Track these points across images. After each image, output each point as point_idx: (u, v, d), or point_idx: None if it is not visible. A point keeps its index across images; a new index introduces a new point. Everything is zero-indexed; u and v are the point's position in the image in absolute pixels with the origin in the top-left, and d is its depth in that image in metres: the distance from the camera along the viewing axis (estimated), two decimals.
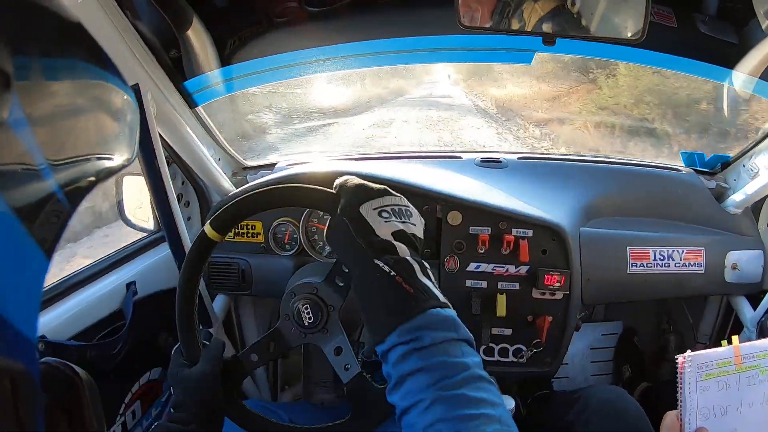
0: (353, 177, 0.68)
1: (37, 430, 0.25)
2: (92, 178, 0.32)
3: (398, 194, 0.66)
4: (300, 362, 1.40)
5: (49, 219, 0.27)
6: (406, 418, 0.54)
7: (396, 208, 0.64)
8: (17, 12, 0.25)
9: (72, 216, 0.30)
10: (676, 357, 0.75)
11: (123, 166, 0.37)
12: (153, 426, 0.73)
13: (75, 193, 0.30)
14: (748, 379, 0.75)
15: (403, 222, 0.63)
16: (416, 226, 0.65)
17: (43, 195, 0.27)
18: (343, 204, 0.63)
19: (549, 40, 0.96)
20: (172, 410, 0.75)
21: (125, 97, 0.36)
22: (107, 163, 0.34)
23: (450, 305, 0.59)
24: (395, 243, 0.60)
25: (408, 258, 0.59)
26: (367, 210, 0.62)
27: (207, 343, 0.80)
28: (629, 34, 0.98)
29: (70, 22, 0.30)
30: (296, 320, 0.77)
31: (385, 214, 0.62)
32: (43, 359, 0.54)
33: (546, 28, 0.99)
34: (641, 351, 1.48)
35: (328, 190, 0.68)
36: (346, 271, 0.75)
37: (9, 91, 0.24)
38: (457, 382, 0.52)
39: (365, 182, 0.66)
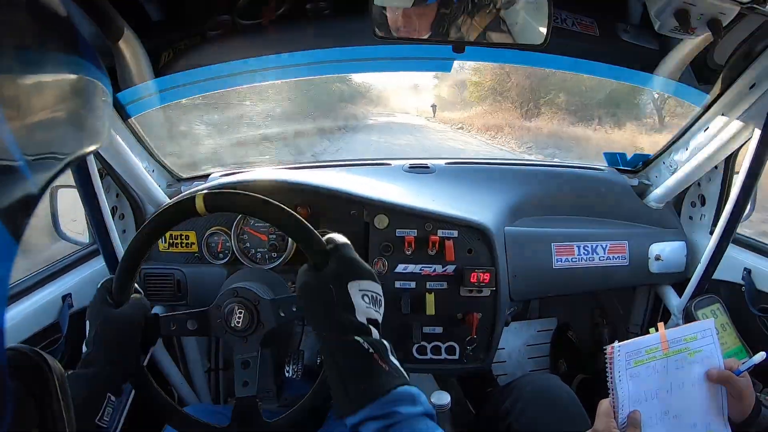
0: (347, 243, 0.71)
1: (6, 416, 0.25)
2: (61, 163, 0.31)
3: (378, 281, 0.70)
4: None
5: (17, 204, 0.27)
6: None
7: (375, 296, 0.68)
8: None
9: (40, 200, 0.29)
10: (604, 348, 0.78)
11: (92, 151, 0.37)
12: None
13: (45, 177, 0.29)
14: (677, 362, 0.80)
15: (376, 311, 0.68)
16: (381, 315, 0.70)
17: (12, 180, 0.26)
18: (333, 271, 0.67)
19: (458, 48, 1.00)
20: (84, 348, 0.74)
21: (96, 83, 0.36)
22: (76, 148, 0.34)
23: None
24: (370, 326, 0.65)
25: (382, 339, 0.65)
26: (354, 290, 0.66)
27: (139, 294, 0.80)
28: (535, 41, 1.03)
29: (45, 13, 0.30)
30: (225, 317, 0.79)
31: (366, 299, 0.66)
32: (11, 345, 0.54)
33: (456, 36, 1.03)
34: (576, 345, 1.53)
35: (323, 242, 0.70)
36: (294, 310, 0.79)
37: None
38: None
39: (357, 258, 0.69)
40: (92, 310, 0.77)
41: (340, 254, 0.68)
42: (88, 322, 0.77)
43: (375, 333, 0.66)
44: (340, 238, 0.71)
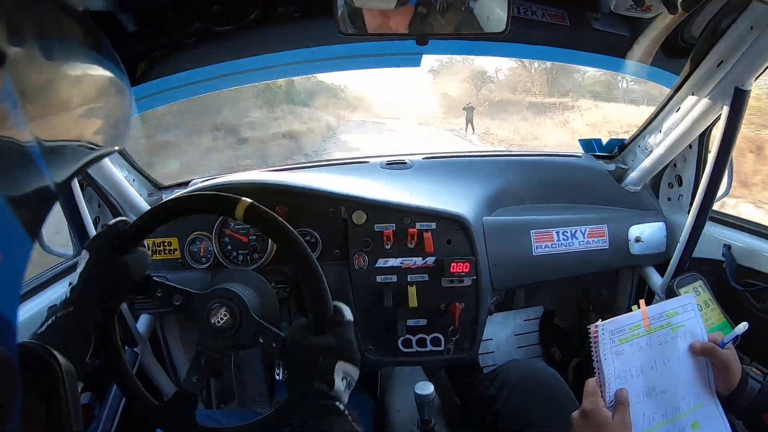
0: (350, 321, 0.72)
1: (15, 413, 0.25)
2: (81, 163, 0.32)
3: (359, 367, 0.71)
4: (232, 379, 1.41)
5: (36, 202, 0.27)
6: None
7: (352, 381, 0.71)
8: None
9: (58, 199, 0.29)
10: (587, 327, 0.79)
11: (112, 152, 0.37)
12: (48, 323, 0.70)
13: (63, 177, 0.30)
14: (659, 338, 0.81)
15: (347, 394, 0.70)
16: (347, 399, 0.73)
17: (32, 178, 0.26)
18: (329, 346, 0.68)
19: (422, 41, 1.01)
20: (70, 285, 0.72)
21: (119, 83, 0.37)
22: (96, 149, 0.34)
23: None
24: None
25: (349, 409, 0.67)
26: (339, 370, 0.68)
27: (143, 248, 0.80)
28: (496, 29, 1.04)
29: (70, 8, 0.31)
30: (208, 312, 0.79)
31: (344, 382, 0.69)
32: (21, 342, 0.54)
33: (420, 29, 1.05)
34: (565, 331, 1.54)
35: (330, 309, 0.71)
36: (273, 346, 0.78)
37: (3, 70, 0.23)
38: None
39: (353, 340, 0.71)
40: (95, 246, 0.75)
41: (341, 331, 0.70)
42: (85, 253, 0.74)
43: (345, 405, 0.67)
44: (348, 313, 0.72)
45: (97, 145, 0.34)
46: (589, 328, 0.79)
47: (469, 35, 1.01)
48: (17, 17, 0.25)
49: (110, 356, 0.78)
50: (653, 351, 0.81)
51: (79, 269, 0.74)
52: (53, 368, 0.50)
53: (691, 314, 0.84)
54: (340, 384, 0.67)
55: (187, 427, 0.76)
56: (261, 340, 0.79)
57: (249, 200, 0.72)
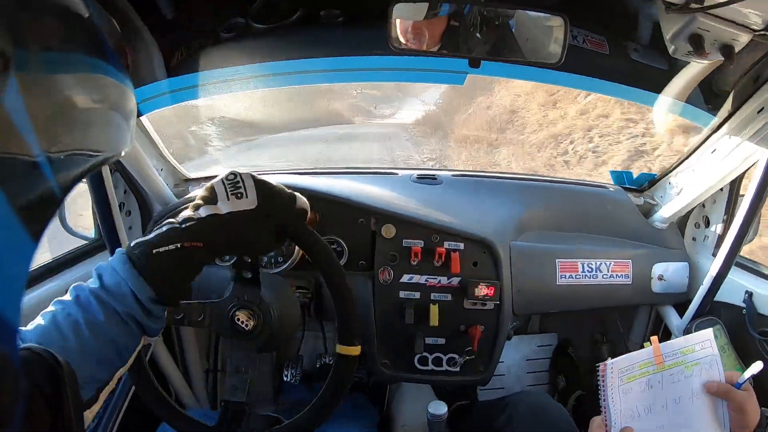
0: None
1: (18, 416, 0.25)
2: (85, 168, 0.32)
3: None
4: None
5: (40, 205, 0.27)
6: None
7: None
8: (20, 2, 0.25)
9: (62, 203, 0.29)
10: (597, 365, 0.78)
11: (115, 157, 0.37)
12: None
13: (67, 181, 0.29)
14: (672, 376, 0.79)
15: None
16: None
17: (36, 183, 0.26)
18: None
19: (474, 63, 1.01)
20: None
21: (122, 90, 0.37)
22: (100, 154, 0.34)
23: None
24: None
25: None
26: None
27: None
28: (550, 59, 1.04)
29: (74, 15, 0.30)
30: (230, 316, 0.80)
31: None
32: (24, 345, 0.54)
33: (476, 51, 1.05)
34: (576, 361, 1.54)
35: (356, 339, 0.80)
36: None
37: (7, 74, 0.23)
38: None
39: None
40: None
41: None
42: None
43: None
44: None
45: (102, 150, 0.34)
46: (598, 366, 0.78)
47: (523, 62, 1.00)
48: (19, 21, 0.25)
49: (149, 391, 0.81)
50: (665, 389, 0.79)
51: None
52: (57, 372, 0.50)
53: (709, 351, 0.81)
54: None
55: None
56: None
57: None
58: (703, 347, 0.81)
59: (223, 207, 0.69)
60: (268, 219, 0.72)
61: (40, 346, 0.55)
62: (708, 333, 0.83)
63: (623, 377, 0.77)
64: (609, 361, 0.77)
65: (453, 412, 1.21)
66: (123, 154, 0.38)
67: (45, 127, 0.27)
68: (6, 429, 0.24)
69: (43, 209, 0.27)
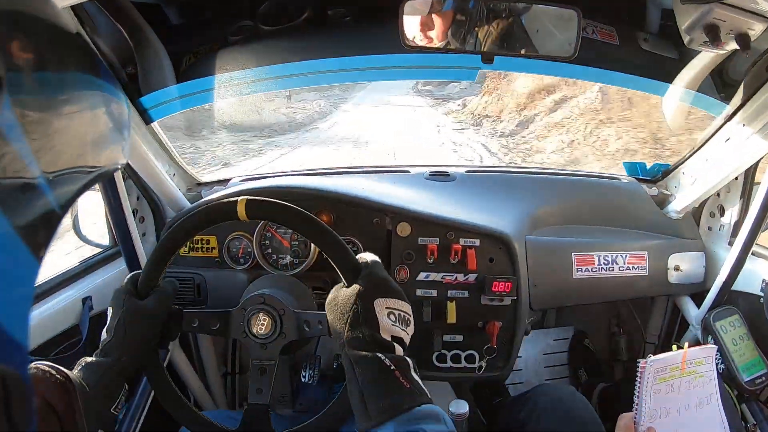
0: (377, 261, 0.73)
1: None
2: (83, 183, 0.32)
3: (407, 301, 0.71)
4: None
5: (41, 224, 0.27)
6: None
7: (402, 314, 0.69)
8: (11, 19, 0.26)
9: (62, 220, 0.29)
10: (638, 360, 0.79)
11: (113, 171, 0.38)
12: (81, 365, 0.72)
13: (66, 198, 0.30)
14: (687, 383, 0.80)
15: (403, 329, 0.69)
16: (409, 334, 0.71)
17: (35, 201, 0.27)
18: (361, 288, 0.68)
19: (488, 58, 1.00)
20: (104, 334, 0.75)
21: (117, 104, 0.37)
22: (98, 169, 0.34)
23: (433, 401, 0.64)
24: (393, 344, 0.66)
25: (405, 356, 0.66)
26: (380, 307, 0.67)
27: (164, 283, 0.81)
28: (563, 52, 1.03)
29: (66, 32, 0.31)
30: (248, 321, 0.80)
31: (392, 317, 0.68)
32: (35, 362, 0.54)
33: (488, 46, 1.04)
34: (594, 353, 1.53)
35: (355, 260, 0.72)
36: (320, 327, 0.79)
37: (1, 95, 0.24)
38: None
39: (387, 277, 0.71)
40: (117, 299, 0.78)
41: (369, 272, 0.70)
42: (110, 309, 0.78)
43: (399, 350, 0.67)
44: (371, 256, 0.73)
45: (100, 165, 0.34)
46: (639, 362, 0.78)
47: (536, 56, 0.99)
48: (12, 40, 0.25)
49: (167, 396, 0.80)
50: (681, 394, 0.80)
51: (108, 325, 0.76)
52: (68, 389, 0.51)
53: (710, 367, 0.83)
54: (386, 320, 0.66)
55: None
56: (307, 329, 0.80)
57: (245, 197, 0.72)
58: (707, 362, 0.83)
59: None
60: None
61: (51, 364, 0.56)
62: (713, 349, 0.84)
63: (657, 377, 0.78)
64: (650, 358, 0.78)
65: (487, 409, 1.21)
66: (120, 167, 0.39)
67: (41, 146, 0.27)
68: None
69: (44, 227, 0.28)
